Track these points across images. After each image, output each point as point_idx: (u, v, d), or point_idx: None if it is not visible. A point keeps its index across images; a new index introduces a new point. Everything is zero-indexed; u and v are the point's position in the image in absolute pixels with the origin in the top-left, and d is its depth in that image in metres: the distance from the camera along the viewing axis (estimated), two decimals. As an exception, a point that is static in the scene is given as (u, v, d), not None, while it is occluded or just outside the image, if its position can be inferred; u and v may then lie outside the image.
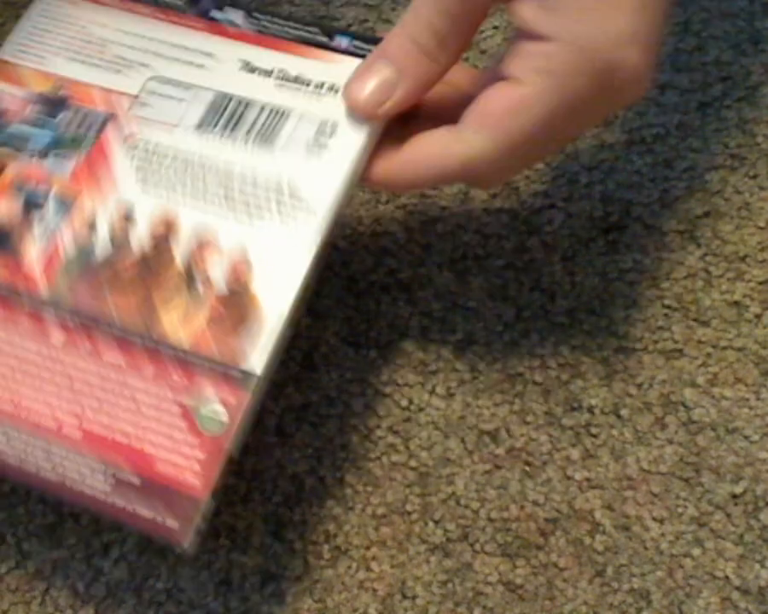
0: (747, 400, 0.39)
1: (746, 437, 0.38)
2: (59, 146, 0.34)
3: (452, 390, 0.39)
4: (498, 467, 0.38)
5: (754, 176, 0.44)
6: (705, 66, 0.47)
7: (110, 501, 0.29)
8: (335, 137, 0.33)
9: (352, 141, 0.33)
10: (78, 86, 0.35)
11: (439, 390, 0.40)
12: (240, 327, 0.30)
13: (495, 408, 0.39)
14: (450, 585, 0.36)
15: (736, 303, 0.41)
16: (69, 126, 0.34)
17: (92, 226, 0.32)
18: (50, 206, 0.33)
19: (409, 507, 0.37)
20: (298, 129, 0.34)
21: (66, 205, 0.33)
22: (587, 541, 0.37)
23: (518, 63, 0.31)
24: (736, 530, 0.37)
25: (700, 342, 0.40)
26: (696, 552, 0.36)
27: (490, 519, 0.37)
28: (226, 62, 0.35)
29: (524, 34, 0.31)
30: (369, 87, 0.32)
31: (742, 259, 0.42)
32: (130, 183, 0.33)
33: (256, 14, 0.36)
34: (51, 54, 0.35)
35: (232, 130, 0.34)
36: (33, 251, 0.32)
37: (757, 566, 0.36)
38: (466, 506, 0.37)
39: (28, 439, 0.29)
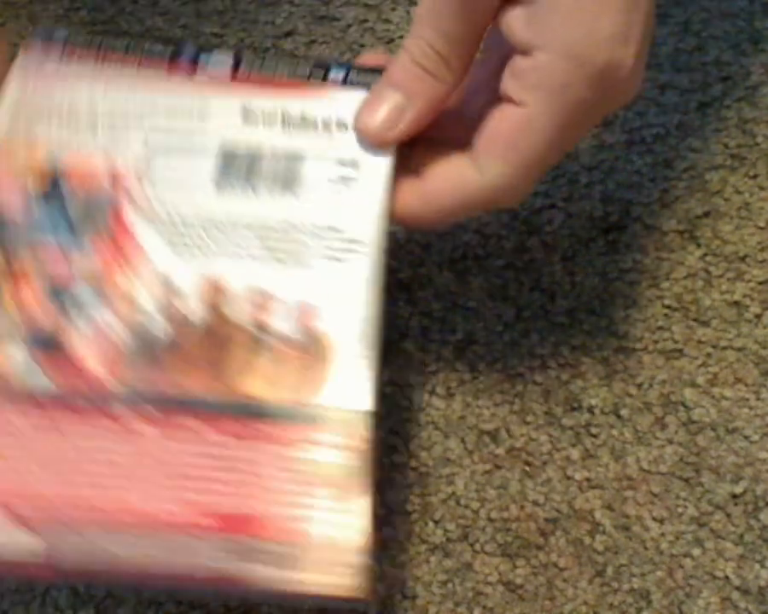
0: (747, 400, 0.39)
1: (746, 437, 0.38)
2: (74, 227, 0.32)
3: (452, 390, 0.39)
4: (498, 467, 0.38)
5: (754, 176, 0.44)
6: (705, 66, 0.47)
7: (276, 579, 0.27)
8: (359, 170, 0.33)
9: (377, 170, 0.33)
10: (78, 159, 0.33)
11: (439, 390, 0.40)
12: (326, 369, 0.30)
13: (495, 408, 0.39)
14: (450, 585, 0.36)
15: (736, 303, 0.41)
16: (79, 204, 0.32)
17: (138, 307, 0.31)
18: (85, 294, 0.31)
19: (409, 507, 0.37)
20: (317, 169, 0.33)
21: (101, 288, 0.31)
22: (587, 541, 0.37)
23: (515, 83, 0.31)
24: (736, 530, 0.37)
25: (700, 342, 0.40)
26: (696, 552, 0.36)
27: (490, 519, 0.37)
28: (225, 112, 0.34)
29: (515, 48, 0.31)
30: (379, 114, 0.33)
31: (742, 259, 0.42)
32: (164, 254, 0.31)
33: (245, 56, 0.35)
34: (40, 127, 0.33)
35: (251, 181, 0.33)
36: (83, 346, 0.30)
37: (757, 566, 0.36)
38: (466, 506, 0.37)
39: (165, 542, 0.27)
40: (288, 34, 0.49)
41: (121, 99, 0.34)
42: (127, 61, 0.34)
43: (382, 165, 0.33)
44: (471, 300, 0.41)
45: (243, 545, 0.27)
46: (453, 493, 0.38)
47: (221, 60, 0.35)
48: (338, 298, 0.31)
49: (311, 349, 0.30)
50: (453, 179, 0.33)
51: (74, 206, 0.32)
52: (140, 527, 0.28)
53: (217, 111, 0.34)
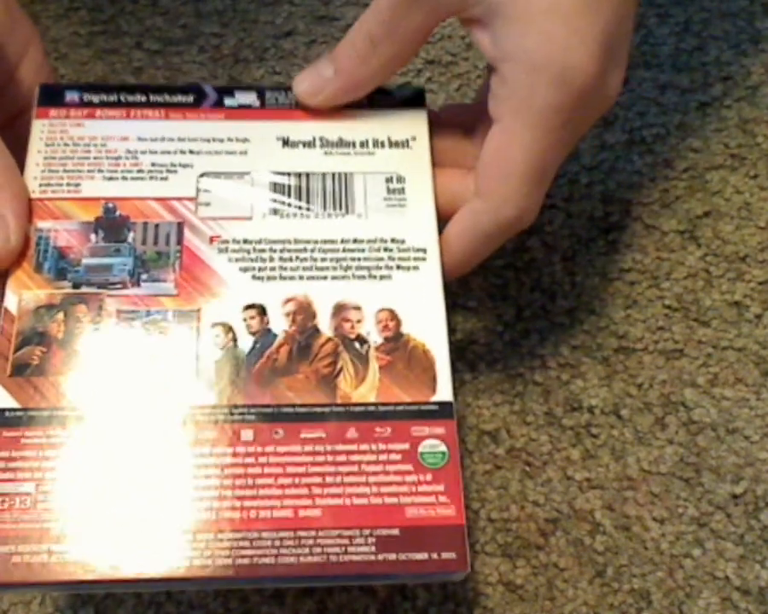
0: (748, 400, 0.39)
1: (746, 438, 0.38)
2: (146, 266, 0.33)
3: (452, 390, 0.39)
4: (499, 467, 0.38)
5: (755, 176, 0.44)
6: (705, 66, 0.47)
7: (380, 559, 0.29)
8: (406, 183, 0.35)
9: (422, 180, 0.35)
10: (131, 203, 0.34)
11: (439, 390, 0.39)
12: (411, 366, 0.32)
13: (495, 408, 0.39)
14: (450, 585, 0.36)
15: (737, 303, 0.41)
16: (146, 244, 0.33)
17: (227, 327, 0.32)
18: (176, 325, 0.32)
19: (409, 508, 0.37)
20: (367, 187, 0.35)
21: (189, 318, 0.32)
22: (587, 541, 0.37)
23: (492, 102, 0.32)
24: (736, 530, 0.37)
25: (700, 342, 0.40)
26: (697, 552, 0.36)
27: (490, 520, 0.37)
28: (264, 143, 0.35)
29: (488, 63, 0.32)
30: (306, 82, 0.35)
31: (743, 259, 0.42)
32: (241, 279, 0.33)
33: (268, 93, 0.37)
34: (84, 179, 0.34)
35: (304, 202, 0.34)
36: (183, 369, 0.31)
37: (757, 567, 0.36)
38: (466, 507, 0.37)
39: (277, 540, 0.29)
40: (288, 34, 0.49)
41: (161, 142, 0.35)
42: (152, 110, 0.36)
43: (426, 174, 0.35)
44: (471, 300, 0.41)
45: (352, 530, 0.29)
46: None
47: (245, 98, 0.36)
48: (414, 303, 0.33)
49: (393, 348, 0.32)
50: (466, 217, 0.34)
51: (140, 241, 0.33)
52: (261, 527, 0.29)
53: (256, 141, 0.35)
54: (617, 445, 0.38)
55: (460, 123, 0.37)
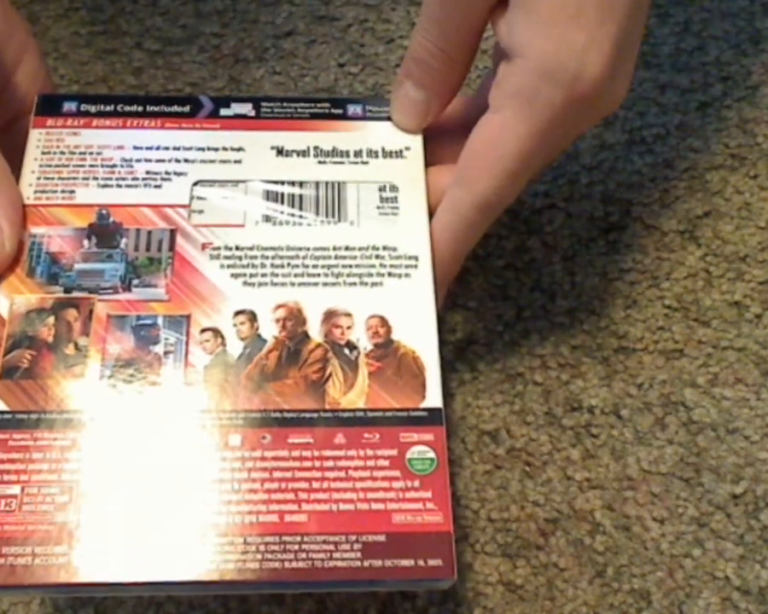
0: (748, 400, 0.39)
1: (746, 438, 0.38)
2: (137, 272, 0.33)
3: (452, 390, 0.39)
4: (498, 467, 0.38)
5: (755, 176, 0.44)
6: (705, 66, 0.47)
7: (365, 565, 0.29)
8: (399, 192, 0.35)
9: (415, 190, 0.35)
10: (125, 210, 0.34)
11: (439, 390, 0.39)
12: (400, 372, 0.32)
13: (495, 408, 0.39)
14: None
15: (737, 303, 0.41)
16: (138, 250, 0.33)
17: (217, 333, 0.32)
18: (166, 330, 0.32)
19: (409, 508, 0.37)
20: (360, 196, 0.35)
21: (179, 323, 0.32)
22: (587, 541, 0.37)
23: (495, 91, 0.32)
24: (736, 530, 0.37)
25: (700, 342, 0.40)
26: (697, 552, 0.36)
27: (490, 520, 0.37)
28: (259, 152, 0.36)
29: (501, 53, 0.32)
30: (405, 113, 0.36)
31: (743, 259, 0.42)
32: (232, 285, 0.33)
33: (263, 103, 0.37)
34: (79, 187, 0.34)
35: (299, 212, 0.34)
36: (172, 374, 0.31)
37: (757, 567, 0.36)
38: (466, 507, 0.37)
39: (262, 545, 0.29)
40: (288, 34, 0.49)
41: (156, 150, 0.35)
42: (148, 120, 0.36)
43: (419, 184, 0.35)
44: (471, 300, 0.41)
45: (338, 537, 0.29)
46: (453, 493, 0.38)
47: (241, 108, 0.37)
48: (405, 310, 0.33)
49: (383, 354, 0.32)
50: (447, 209, 0.34)
51: (133, 247, 0.33)
52: (248, 532, 0.29)
53: (251, 151, 0.36)
54: (617, 445, 0.38)
55: (456, 119, 0.37)
